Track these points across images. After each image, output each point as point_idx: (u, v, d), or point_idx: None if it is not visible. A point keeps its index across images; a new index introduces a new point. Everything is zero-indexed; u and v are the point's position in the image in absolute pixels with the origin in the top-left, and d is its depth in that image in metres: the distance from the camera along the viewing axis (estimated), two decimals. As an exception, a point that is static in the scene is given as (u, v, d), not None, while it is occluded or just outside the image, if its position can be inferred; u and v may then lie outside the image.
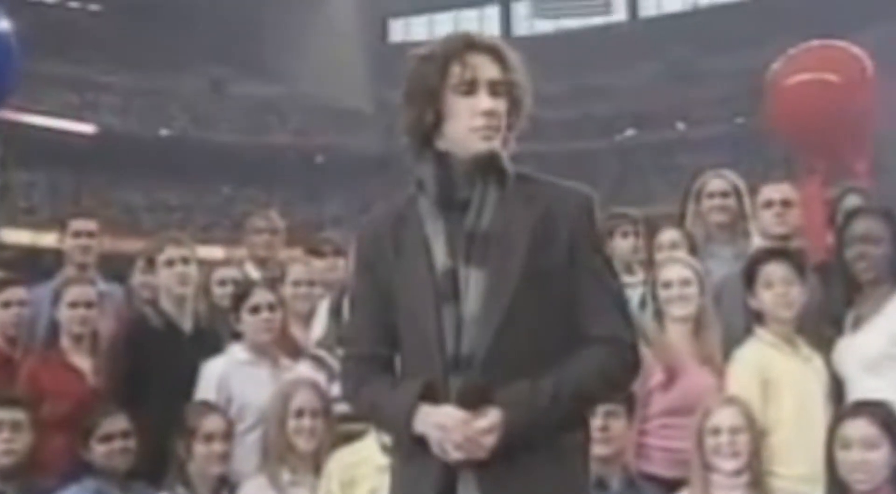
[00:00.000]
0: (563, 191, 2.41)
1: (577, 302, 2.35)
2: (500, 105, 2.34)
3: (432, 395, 2.29)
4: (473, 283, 2.31)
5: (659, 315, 4.01)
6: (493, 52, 2.36)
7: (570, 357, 2.31)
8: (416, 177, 2.41)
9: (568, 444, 2.34)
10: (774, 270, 3.80)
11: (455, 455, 2.24)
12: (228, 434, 3.98)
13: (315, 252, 5.34)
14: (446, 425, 2.24)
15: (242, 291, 4.36)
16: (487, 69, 2.34)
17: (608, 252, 2.51)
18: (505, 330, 2.28)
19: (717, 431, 3.63)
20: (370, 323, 2.46)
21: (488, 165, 2.35)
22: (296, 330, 4.70)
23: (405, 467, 2.40)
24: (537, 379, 2.27)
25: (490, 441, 2.23)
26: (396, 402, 2.33)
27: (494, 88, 2.34)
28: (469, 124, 2.33)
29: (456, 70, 2.33)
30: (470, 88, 2.33)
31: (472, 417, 2.24)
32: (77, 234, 5.20)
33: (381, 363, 2.44)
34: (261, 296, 4.27)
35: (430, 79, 2.34)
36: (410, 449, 2.33)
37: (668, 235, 4.67)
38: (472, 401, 2.25)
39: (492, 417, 2.23)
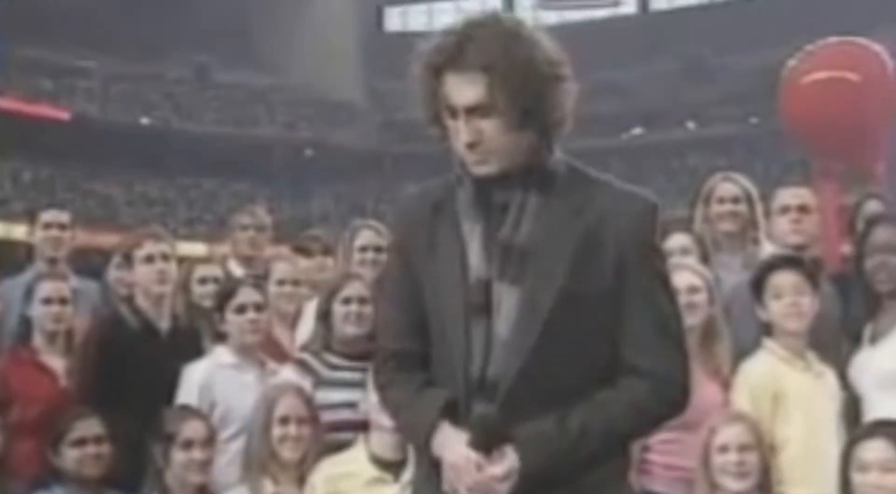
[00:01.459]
0: (618, 198, 2.27)
1: (623, 328, 2.23)
2: (489, 126, 2.19)
3: (456, 412, 2.24)
4: (506, 301, 2.21)
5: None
6: (473, 69, 2.17)
7: (605, 389, 2.21)
8: (457, 165, 2.31)
9: (602, 475, 2.25)
10: (785, 279, 3.78)
11: None
12: (210, 441, 3.96)
13: (302, 250, 5.33)
14: (458, 466, 2.18)
15: (227, 290, 4.35)
16: (465, 93, 2.18)
17: (667, 268, 2.36)
18: (536, 356, 2.18)
19: (724, 449, 3.61)
20: (400, 314, 2.37)
21: (528, 171, 2.24)
22: (280, 333, 4.69)
23: (422, 487, 2.37)
24: (565, 414, 2.18)
25: (504, 488, 2.16)
26: (419, 415, 2.28)
27: (476, 112, 2.19)
28: (460, 150, 2.25)
29: (442, 91, 2.22)
30: (453, 113, 2.23)
31: (486, 461, 2.17)
32: (48, 226, 5.19)
33: (412, 359, 2.35)
34: (247, 295, 4.26)
35: (425, 96, 2.25)
36: (427, 472, 2.30)
37: (678, 240, 4.65)
38: (487, 442, 2.18)
39: (507, 463, 2.17)
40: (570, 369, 2.21)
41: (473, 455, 2.18)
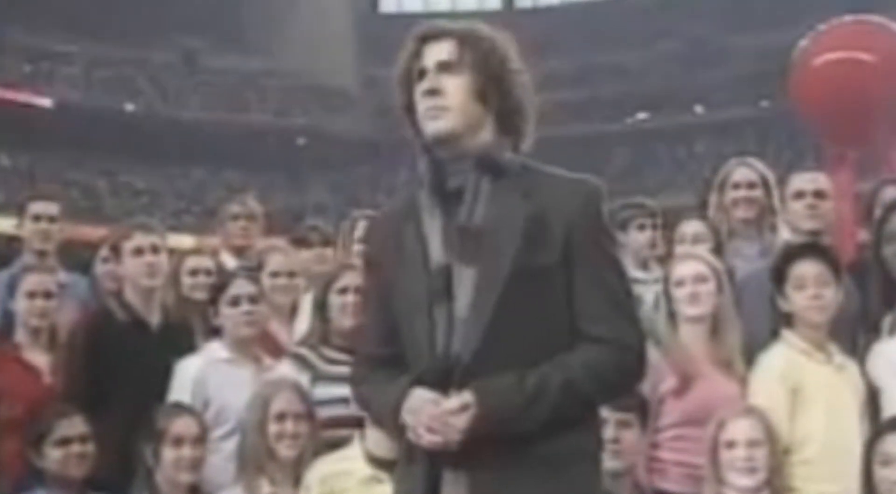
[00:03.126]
0: (564, 183, 2.50)
1: (575, 304, 2.43)
2: (452, 82, 2.48)
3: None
4: (465, 282, 2.41)
5: (672, 315, 4.00)
6: (447, 34, 2.52)
7: (563, 353, 2.39)
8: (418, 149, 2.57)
9: (567, 450, 2.40)
10: (808, 269, 3.76)
11: (427, 439, 2.33)
12: (201, 439, 3.96)
13: (301, 242, 5.33)
14: (415, 407, 2.35)
15: (221, 282, 4.36)
16: (437, 51, 2.51)
17: (615, 248, 2.60)
18: (492, 331, 2.37)
19: (732, 444, 3.62)
20: (375, 322, 2.61)
21: (480, 156, 2.47)
22: (275, 326, 4.69)
23: (399, 472, 2.54)
24: (524, 372, 2.37)
25: (462, 421, 2.31)
26: (388, 395, 2.44)
27: (444, 68, 2.49)
28: (420, 109, 2.50)
29: (417, 63, 2.53)
30: (421, 75, 2.52)
31: (441, 397, 2.34)
32: (37, 218, 5.19)
33: (385, 361, 2.56)
34: (241, 287, 4.26)
35: (402, 73, 2.55)
36: (405, 453, 2.46)
37: (692, 227, 4.65)
38: (436, 381, 2.36)
39: (463, 397, 2.33)
40: (527, 344, 2.38)
41: (429, 394, 2.36)
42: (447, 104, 2.47)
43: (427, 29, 2.55)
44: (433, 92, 2.48)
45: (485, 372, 2.35)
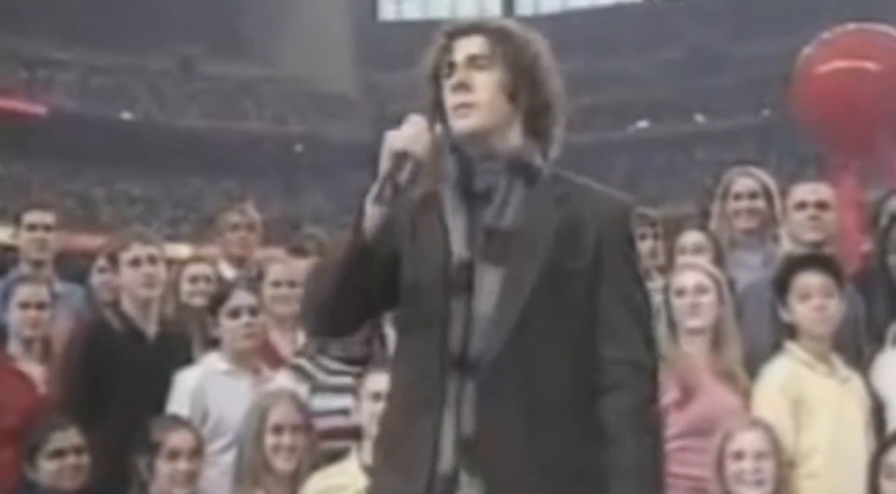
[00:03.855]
0: (598, 196, 2.49)
1: (597, 316, 2.41)
2: (482, 78, 2.45)
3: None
4: (488, 281, 2.38)
5: (672, 325, 4.00)
6: (478, 30, 2.49)
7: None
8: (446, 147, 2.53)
9: (588, 466, 2.37)
10: (811, 280, 3.77)
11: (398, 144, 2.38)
12: (197, 452, 3.95)
13: (299, 251, 5.32)
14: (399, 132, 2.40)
15: (220, 293, 4.35)
16: (468, 46, 2.48)
17: (641, 266, 2.59)
18: (518, 332, 2.34)
19: (739, 456, 3.62)
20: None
21: (512, 159, 2.45)
22: (276, 337, 4.69)
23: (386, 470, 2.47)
24: None
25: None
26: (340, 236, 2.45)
27: (474, 63, 2.46)
28: (449, 105, 2.47)
29: (447, 58, 2.49)
30: (451, 70, 2.48)
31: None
32: (32, 228, 5.20)
33: None
34: (241, 298, 4.26)
35: (429, 70, 2.52)
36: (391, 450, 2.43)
37: (692, 237, 4.66)
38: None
39: None
40: (550, 348, 2.37)
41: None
42: (476, 99, 2.44)
43: (458, 24, 2.53)
44: (462, 86, 2.44)
45: (503, 372, 2.33)
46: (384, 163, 2.39)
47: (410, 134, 2.41)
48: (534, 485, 2.33)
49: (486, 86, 2.44)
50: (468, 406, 2.35)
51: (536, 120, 2.50)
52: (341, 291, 2.43)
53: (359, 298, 2.46)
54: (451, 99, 2.46)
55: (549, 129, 2.52)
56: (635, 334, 2.43)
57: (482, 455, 2.33)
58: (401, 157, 2.38)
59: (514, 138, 2.48)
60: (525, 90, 2.47)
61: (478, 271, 2.39)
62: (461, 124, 2.44)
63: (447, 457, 2.34)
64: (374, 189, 2.39)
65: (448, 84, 2.47)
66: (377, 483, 2.53)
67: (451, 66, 2.47)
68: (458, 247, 2.41)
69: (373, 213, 2.39)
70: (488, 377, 2.34)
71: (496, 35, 2.48)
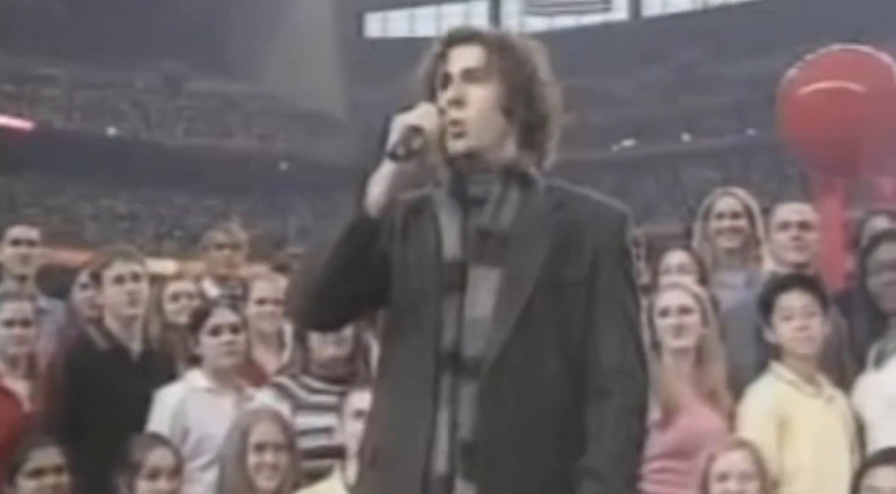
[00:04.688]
0: (595, 204, 2.48)
1: (592, 324, 2.39)
2: (477, 92, 2.42)
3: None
4: (484, 282, 2.36)
5: (656, 345, 4.00)
6: (476, 39, 2.45)
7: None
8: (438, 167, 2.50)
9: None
10: (794, 300, 3.78)
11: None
12: (177, 471, 3.94)
13: (283, 269, 5.32)
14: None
15: (202, 311, 4.34)
16: (464, 57, 2.44)
17: (637, 277, 2.55)
18: (517, 334, 2.32)
19: (724, 477, 3.61)
20: None
21: (508, 168, 2.43)
22: (261, 355, 4.68)
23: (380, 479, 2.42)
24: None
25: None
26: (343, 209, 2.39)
27: (470, 76, 2.42)
28: (444, 121, 2.42)
29: (442, 67, 2.45)
30: (446, 82, 2.44)
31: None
32: (16, 243, 5.19)
33: None
34: (222, 317, 4.25)
35: (424, 77, 2.48)
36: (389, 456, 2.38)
37: (676, 257, 4.66)
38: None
39: None
40: (549, 350, 2.35)
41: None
42: (472, 116, 2.40)
43: (456, 31, 2.49)
44: (456, 102, 2.41)
45: (505, 374, 2.31)
46: (393, 137, 2.35)
47: (420, 113, 2.39)
48: (530, 491, 2.31)
49: (480, 101, 2.41)
50: (466, 409, 2.31)
51: (531, 132, 2.47)
52: (336, 273, 2.36)
53: (350, 284, 2.38)
54: (445, 114, 2.41)
55: (543, 143, 2.50)
56: (628, 344, 2.40)
57: (481, 460, 2.29)
58: (412, 130, 2.34)
59: (509, 151, 2.45)
60: (521, 105, 2.44)
61: (471, 272, 2.36)
62: (458, 146, 2.41)
63: (442, 461, 2.30)
64: (386, 149, 2.34)
65: (442, 97, 2.43)
66: (366, 489, 2.48)
67: (447, 76, 2.44)
68: (451, 247, 2.39)
69: (376, 190, 2.35)
70: (490, 380, 2.31)
71: (495, 46, 2.44)
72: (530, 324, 2.33)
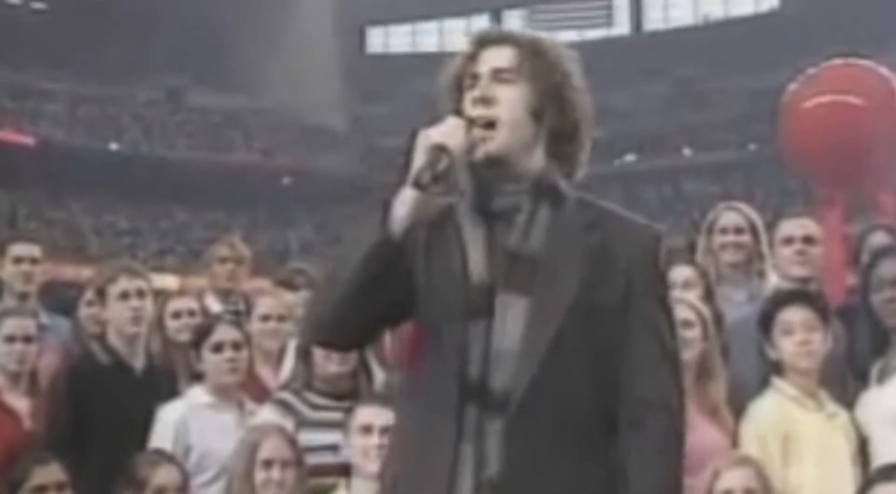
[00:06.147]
0: (628, 224, 2.39)
1: (626, 352, 2.30)
2: (506, 92, 2.34)
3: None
4: (512, 310, 2.26)
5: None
6: (508, 40, 2.38)
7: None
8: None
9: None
10: (794, 315, 3.77)
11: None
12: (183, 489, 3.92)
13: (286, 284, 5.32)
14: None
15: (204, 327, 4.34)
16: (495, 57, 2.36)
17: (670, 299, 2.46)
18: (547, 366, 2.23)
19: (728, 494, 3.61)
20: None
21: (538, 180, 2.34)
22: (264, 371, 4.68)
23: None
24: None
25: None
26: (367, 227, 2.32)
27: (499, 76, 2.35)
28: (468, 118, 2.33)
29: (469, 69, 2.38)
30: (473, 82, 2.37)
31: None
32: (18, 260, 5.18)
33: None
34: (224, 333, 4.24)
35: (451, 79, 2.41)
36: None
37: (681, 273, 4.64)
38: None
39: None
40: (580, 381, 2.26)
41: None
42: (497, 115, 2.31)
43: (488, 32, 2.41)
44: (483, 100, 2.32)
45: (536, 407, 2.21)
46: (418, 158, 2.25)
47: (446, 129, 2.29)
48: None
49: (509, 101, 2.33)
50: (493, 444, 2.23)
51: (561, 142, 2.40)
52: (358, 292, 2.26)
53: (373, 303, 2.29)
54: (470, 111, 2.33)
55: (573, 154, 2.43)
56: (663, 373, 2.32)
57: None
58: (438, 150, 2.24)
59: (538, 160, 2.36)
60: (552, 109, 2.37)
61: (499, 298, 2.26)
62: (483, 150, 2.30)
63: None
64: (410, 175, 2.24)
65: (469, 96, 2.35)
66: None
67: (475, 77, 2.36)
68: (478, 268, 2.29)
69: (401, 212, 2.25)
70: (518, 416, 2.22)
71: (527, 48, 2.36)
72: (560, 356, 2.23)
